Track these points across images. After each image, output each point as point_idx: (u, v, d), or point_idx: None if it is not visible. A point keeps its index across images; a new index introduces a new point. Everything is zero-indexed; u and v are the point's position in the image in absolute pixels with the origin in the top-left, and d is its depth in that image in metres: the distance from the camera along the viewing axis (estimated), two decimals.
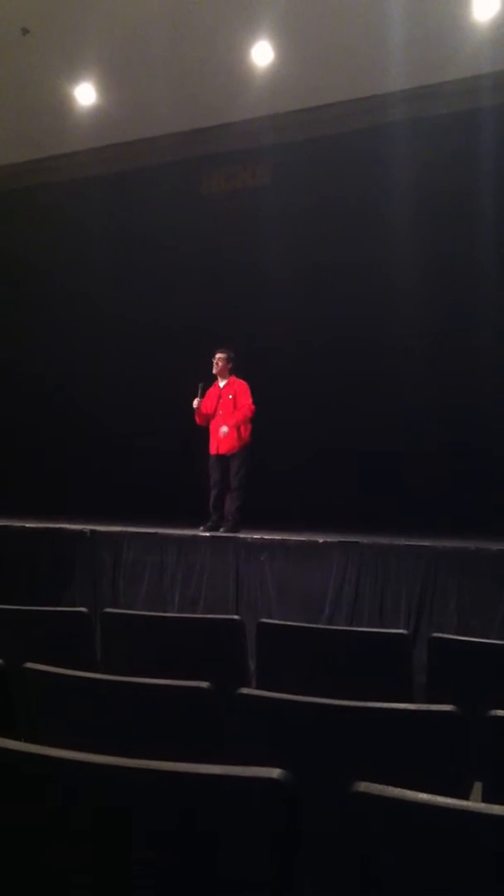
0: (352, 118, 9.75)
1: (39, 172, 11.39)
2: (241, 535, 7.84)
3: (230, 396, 8.38)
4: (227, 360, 8.50)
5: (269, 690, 2.65)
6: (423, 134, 9.35)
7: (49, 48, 8.73)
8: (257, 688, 3.24)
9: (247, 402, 8.33)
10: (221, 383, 8.50)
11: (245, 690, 2.61)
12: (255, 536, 7.71)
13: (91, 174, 11.10)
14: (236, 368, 8.59)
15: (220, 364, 8.49)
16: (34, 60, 8.89)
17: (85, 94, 9.59)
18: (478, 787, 2.52)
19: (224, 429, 8.28)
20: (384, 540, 7.38)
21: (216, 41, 8.61)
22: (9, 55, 8.82)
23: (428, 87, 9.20)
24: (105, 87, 9.52)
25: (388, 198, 9.40)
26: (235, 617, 4.19)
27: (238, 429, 8.30)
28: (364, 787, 1.64)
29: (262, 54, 8.78)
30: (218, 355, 8.50)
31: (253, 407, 8.32)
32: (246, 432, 8.35)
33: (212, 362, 8.51)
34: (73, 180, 11.23)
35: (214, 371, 8.51)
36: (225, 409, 8.36)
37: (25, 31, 8.49)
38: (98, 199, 10.87)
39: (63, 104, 9.69)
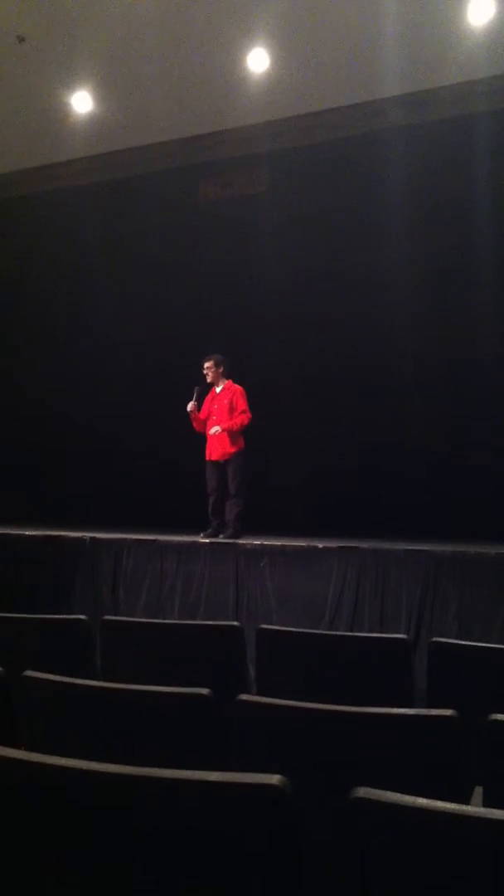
0: (348, 124, 9.75)
1: (36, 181, 11.39)
2: (241, 542, 7.84)
3: (225, 401, 8.38)
4: (216, 365, 8.51)
5: (269, 697, 2.65)
6: (419, 139, 9.36)
7: (45, 56, 8.74)
8: (257, 694, 3.23)
9: (244, 408, 8.34)
10: (217, 389, 8.51)
11: (245, 697, 2.61)
12: (255, 542, 7.71)
13: (88, 182, 11.10)
14: (231, 372, 8.59)
15: (209, 373, 8.50)
16: (30, 68, 8.89)
17: (81, 102, 9.58)
18: (478, 791, 2.51)
19: (216, 428, 8.29)
20: (384, 545, 7.38)
21: (212, 48, 8.61)
22: (4, 63, 8.83)
23: (424, 92, 9.20)
24: (102, 95, 9.51)
25: (385, 203, 9.39)
26: (235, 623, 4.19)
27: (231, 433, 8.29)
28: (364, 792, 1.64)
29: (257, 61, 8.78)
30: (205, 365, 8.51)
31: (250, 414, 8.33)
32: (240, 438, 8.35)
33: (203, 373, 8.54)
34: (69, 188, 11.23)
35: (208, 380, 8.52)
36: (219, 414, 8.36)
37: (21, 39, 8.48)
38: (95, 207, 10.86)
39: (59, 112, 9.69)
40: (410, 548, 7.19)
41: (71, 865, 1.78)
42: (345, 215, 9.78)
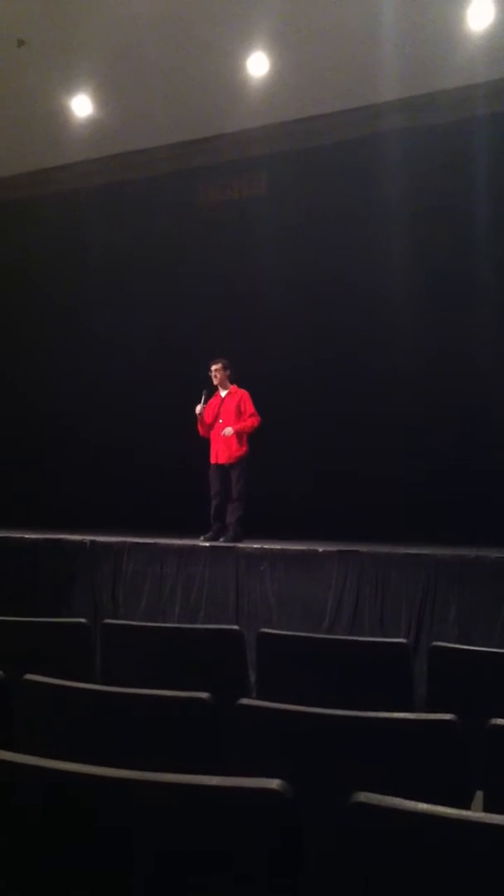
0: (347, 128, 9.76)
1: (36, 184, 11.40)
2: (241, 545, 7.83)
3: (232, 405, 8.38)
4: (224, 369, 8.51)
5: (269, 701, 2.64)
6: (418, 143, 9.37)
7: (45, 60, 8.74)
8: (257, 698, 3.23)
9: (253, 411, 8.34)
10: (223, 393, 8.51)
11: (245, 701, 2.60)
12: (255, 546, 7.70)
13: (88, 185, 11.12)
14: (236, 377, 8.59)
15: (217, 375, 8.50)
16: (30, 72, 8.90)
17: (81, 106, 9.59)
18: (479, 796, 2.51)
19: (228, 429, 8.27)
20: (384, 549, 7.37)
21: (212, 52, 8.62)
22: (5, 67, 8.83)
23: (423, 96, 9.22)
24: (101, 99, 9.52)
25: (385, 207, 9.40)
26: (235, 627, 4.18)
27: (240, 435, 8.29)
28: (364, 797, 1.63)
29: (257, 65, 8.79)
30: (213, 367, 8.51)
31: (259, 417, 8.34)
32: (246, 442, 8.35)
33: (209, 375, 8.53)
34: (69, 191, 11.24)
35: (215, 383, 8.52)
36: (226, 417, 8.36)
37: (21, 43, 8.49)
38: (95, 211, 10.88)
39: (59, 116, 9.70)
40: (410, 552, 7.18)
41: (70, 870, 1.77)
42: (344, 219, 9.79)
